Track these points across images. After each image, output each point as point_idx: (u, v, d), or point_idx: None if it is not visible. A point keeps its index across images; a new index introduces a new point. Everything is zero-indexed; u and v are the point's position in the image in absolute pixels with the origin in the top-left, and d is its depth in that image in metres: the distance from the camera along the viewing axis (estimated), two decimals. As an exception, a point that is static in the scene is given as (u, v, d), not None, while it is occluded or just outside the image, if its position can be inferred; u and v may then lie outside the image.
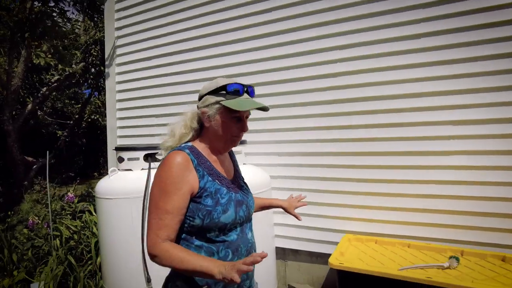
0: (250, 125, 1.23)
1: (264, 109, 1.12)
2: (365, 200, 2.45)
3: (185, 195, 1.03)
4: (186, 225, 1.06)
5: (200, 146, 1.14)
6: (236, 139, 1.15)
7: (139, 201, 2.39)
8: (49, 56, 3.62)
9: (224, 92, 1.09)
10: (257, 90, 2.66)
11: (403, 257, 2.06)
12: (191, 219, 1.05)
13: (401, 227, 2.35)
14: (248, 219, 1.18)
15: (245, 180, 1.30)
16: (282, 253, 2.77)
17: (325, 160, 2.59)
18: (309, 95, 2.62)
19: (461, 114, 2.16)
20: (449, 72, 2.18)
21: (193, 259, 0.95)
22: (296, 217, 1.45)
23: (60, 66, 3.88)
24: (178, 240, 1.08)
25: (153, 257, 1.01)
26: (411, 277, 1.76)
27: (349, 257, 2.10)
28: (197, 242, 1.06)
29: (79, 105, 6.79)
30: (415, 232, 2.30)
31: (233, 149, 1.28)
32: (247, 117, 1.15)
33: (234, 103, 1.06)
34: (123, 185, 2.47)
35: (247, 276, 1.15)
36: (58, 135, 5.78)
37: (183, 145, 1.13)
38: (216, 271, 0.89)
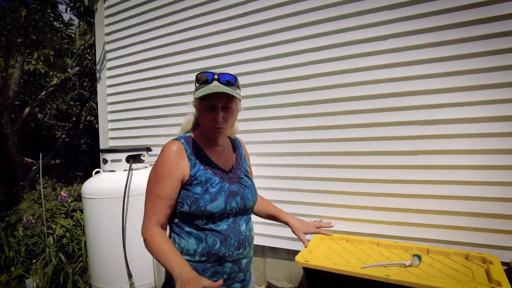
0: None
1: (222, 94, 1.06)
2: (342, 199, 2.51)
3: (176, 181, 1.08)
4: (177, 210, 1.11)
5: (197, 136, 1.19)
6: (214, 130, 1.12)
7: (121, 200, 2.50)
8: (40, 63, 3.78)
9: (197, 83, 1.13)
10: (247, 91, 2.72)
11: (370, 256, 2.11)
12: (181, 205, 1.10)
13: (374, 225, 2.40)
14: (244, 212, 1.17)
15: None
16: (262, 251, 2.85)
17: (303, 160, 2.65)
18: (289, 96, 2.68)
19: (428, 114, 2.19)
20: (438, 70, 2.17)
21: (166, 254, 1.00)
22: (303, 242, 1.32)
23: (51, 73, 4.04)
24: (171, 224, 1.15)
25: (144, 241, 1.08)
26: (371, 274, 1.81)
27: (317, 254, 2.15)
28: (187, 228, 1.11)
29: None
30: (387, 230, 2.36)
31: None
32: (225, 107, 1.10)
33: (197, 91, 1.07)
34: (106, 185, 2.58)
35: (239, 269, 1.15)
36: (57, 136, 6.00)
37: (182, 135, 1.20)
38: (176, 273, 0.92)
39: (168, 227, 1.17)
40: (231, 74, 1.11)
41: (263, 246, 2.83)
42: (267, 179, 2.78)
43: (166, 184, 1.08)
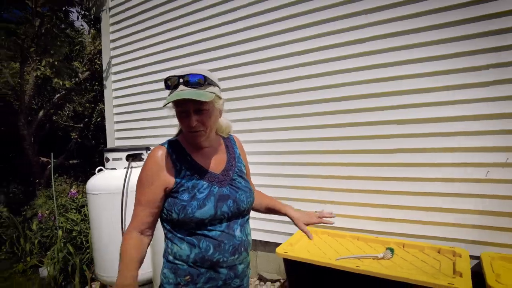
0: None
1: (189, 99, 1.00)
2: (329, 196, 2.61)
3: (157, 189, 1.06)
4: (168, 218, 1.09)
5: (183, 139, 1.15)
6: (191, 135, 1.08)
7: (120, 196, 2.71)
8: (48, 70, 4.07)
9: (167, 88, 1.08)
10: (237, 93, 2.84)
11: (348, 249, 2.22)
12: (169, 213, 1.07)
13: (359, 221, 2.50)
14: (238, 215, 1.12)
15: None
16: (254, 245, 2.99)
17: (291, 158, 2.77)
18: (279, 97, 2.80)
19: (410, 113, 2.28)
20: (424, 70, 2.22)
21: (122, 261, 1.04)
22: (306, 234, 1.28)
23: (55, 80, 4.34)
24: (165, 231, 1.13)
25: None
26: (343, 265, 1.92)
27: (298, 247, 2.28)
28: (180, 234, 1.08)
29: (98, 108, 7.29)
30: (371, 226, 2.45)
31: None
32: (198, 109, 1.04)
33: (166, 99, 1.02)
34: (107, 182, 2.80)
35: (235, 275, 1.11)
36: (71, 137, 6.37)
37: (169, 139, 1.17)
38: (117, 282, 1.01)
39: (164, 235, 1.17)
40: (199, 74, 1.04)
41: (255, 240, 2.97)
42: (255, 176, 2.91)
43: (147, 191, 1.07)
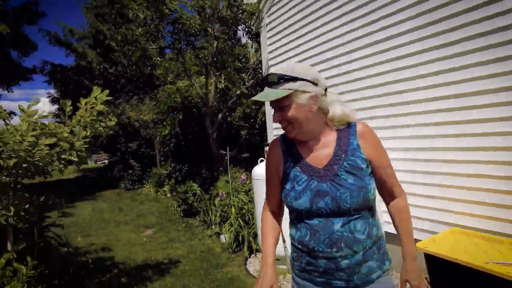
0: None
1: (266, 99, 1.07)
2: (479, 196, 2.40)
3: (274, 175, 1.20)
4: None
5: None
6: (284, 129, 1.13)
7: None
8: (226, 82, 5.14)
9: None
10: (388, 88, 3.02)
11: (503, 254, 2.00)
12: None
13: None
14: (340, 214, 1.06)
15: None
16: (392, 239, 2.99)
17: (443, 155, 2.66)
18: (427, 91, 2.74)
19: None
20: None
21: (265, 243, 1.22)
22: (400, 286, 1.17)
23: (232, 89, 5.39)
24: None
25: None
26: (489, 269, 1.81)
27: (441, 245, 2.22)
28: (291, 217, 1.20)
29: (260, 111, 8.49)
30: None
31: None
32: (281, 107, 1.06)
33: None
34: (266, 170, 3.44)
35: (337, 268, 1.06)
36: (241, 135, 7.68)
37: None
38: (262, 263, 1.17)
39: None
40: (275, 73, 1.05)
41: (394, 235, 2.96)
42: (402, 172, 2.90)
43: (269, 176, 1.23)
